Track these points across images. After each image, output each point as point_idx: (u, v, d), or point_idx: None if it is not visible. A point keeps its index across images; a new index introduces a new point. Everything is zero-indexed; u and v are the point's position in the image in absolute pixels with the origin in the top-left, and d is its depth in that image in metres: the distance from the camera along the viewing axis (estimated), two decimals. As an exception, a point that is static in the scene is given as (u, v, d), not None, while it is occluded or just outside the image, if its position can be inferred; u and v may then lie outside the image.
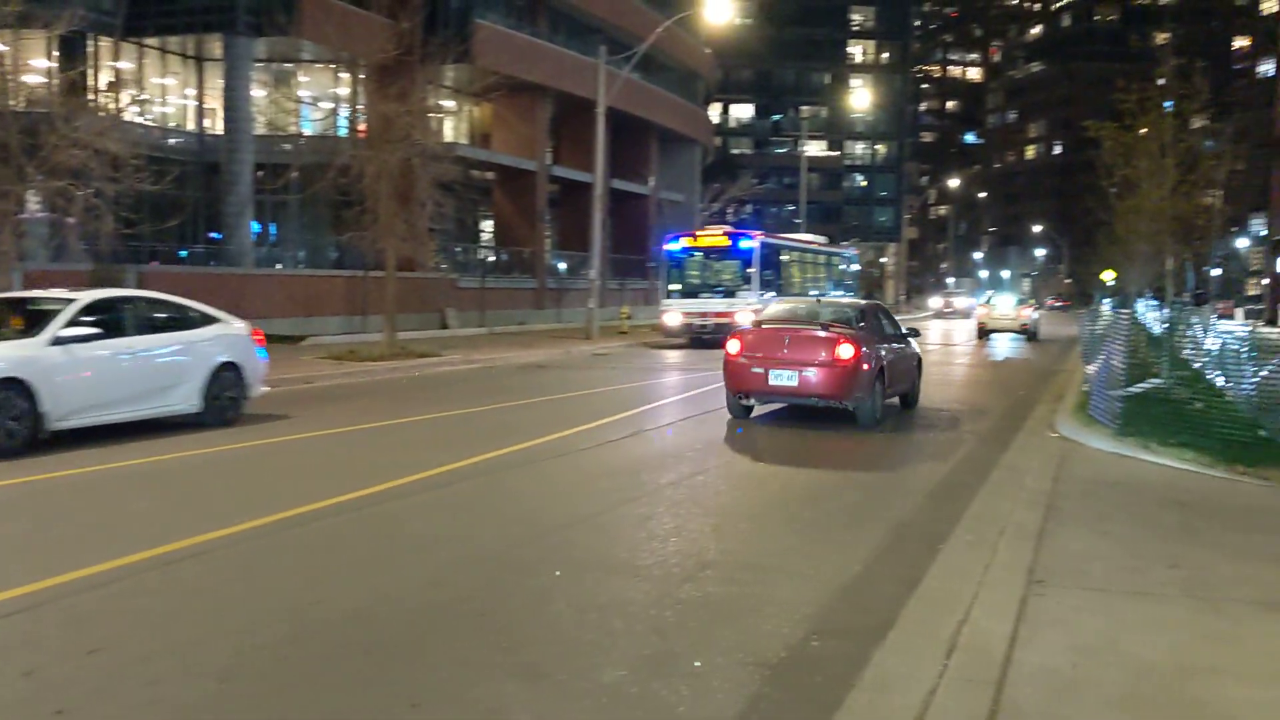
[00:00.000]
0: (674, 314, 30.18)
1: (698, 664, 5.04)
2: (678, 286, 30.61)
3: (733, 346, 13.59)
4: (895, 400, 14.98)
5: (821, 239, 41.44)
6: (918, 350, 15.85)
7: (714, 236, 30.70)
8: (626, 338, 32.94)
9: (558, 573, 6.52)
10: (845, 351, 12.82)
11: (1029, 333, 36.98)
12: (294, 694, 4.70)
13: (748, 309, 27.05)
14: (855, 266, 43.01)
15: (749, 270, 29.58)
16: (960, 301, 72.43)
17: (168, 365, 12.44)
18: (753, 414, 14.09)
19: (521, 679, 4.85)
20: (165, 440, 11.69)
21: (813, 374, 12.87)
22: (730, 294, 29.55)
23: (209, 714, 4.48)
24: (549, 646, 5.27)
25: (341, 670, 4.95)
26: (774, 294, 28.83)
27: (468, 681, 4.81)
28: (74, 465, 10.09)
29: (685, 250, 30.78)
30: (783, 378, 13.05)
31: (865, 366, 12.94)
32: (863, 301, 16.16)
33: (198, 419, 12.69)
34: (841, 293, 36.97)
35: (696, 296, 30.07)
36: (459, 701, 4.60)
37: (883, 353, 13.63)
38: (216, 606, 5.86)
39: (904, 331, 15.35)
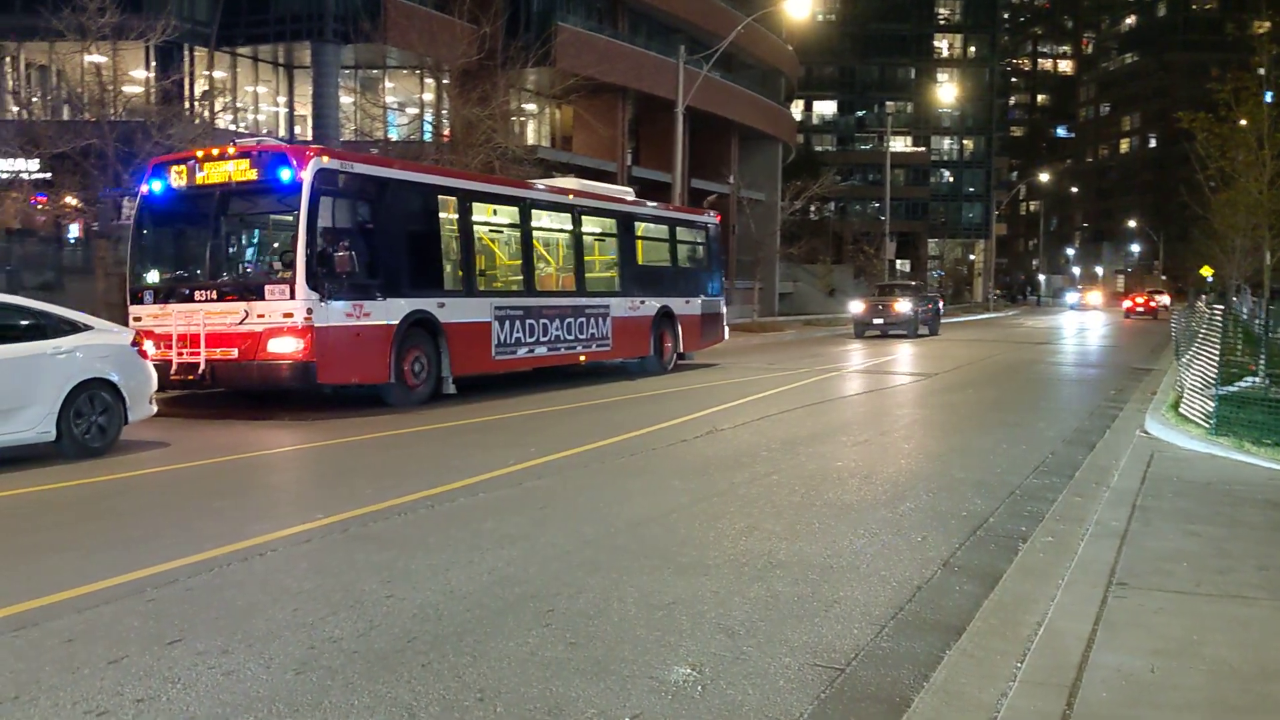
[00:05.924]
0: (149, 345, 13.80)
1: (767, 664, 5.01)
2: (157, 275, 15.39)
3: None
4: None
5: (612, 189, 22.70)
6: None
7: (227, 161, 14.50)
8: None
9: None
10: None
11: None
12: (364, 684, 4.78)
13: (290, 331, 13.84)
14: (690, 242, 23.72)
15: (296, 237, 13.98)
16: (904, 305, 37.19)
17: None
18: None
19: (587, 675, 4.86)
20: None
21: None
22: (253, 289, 14.33)
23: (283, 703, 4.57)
24: (615, 643, 5.28)
25: (410, 662, 5.01)
26: (385, 289, 14.97)
27: (533, 676, 4.84)
28: None
29: (173, 193, 14.97)
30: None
31: None
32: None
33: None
34: (673, 291, 22.25)
35: (188, 296, 14.61)
36: (524, 695, 4.63)
37: None
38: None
39: None
